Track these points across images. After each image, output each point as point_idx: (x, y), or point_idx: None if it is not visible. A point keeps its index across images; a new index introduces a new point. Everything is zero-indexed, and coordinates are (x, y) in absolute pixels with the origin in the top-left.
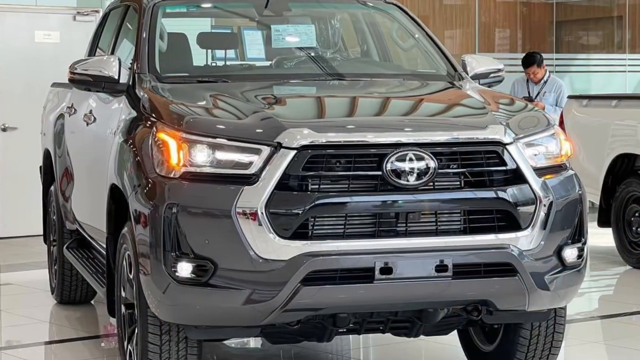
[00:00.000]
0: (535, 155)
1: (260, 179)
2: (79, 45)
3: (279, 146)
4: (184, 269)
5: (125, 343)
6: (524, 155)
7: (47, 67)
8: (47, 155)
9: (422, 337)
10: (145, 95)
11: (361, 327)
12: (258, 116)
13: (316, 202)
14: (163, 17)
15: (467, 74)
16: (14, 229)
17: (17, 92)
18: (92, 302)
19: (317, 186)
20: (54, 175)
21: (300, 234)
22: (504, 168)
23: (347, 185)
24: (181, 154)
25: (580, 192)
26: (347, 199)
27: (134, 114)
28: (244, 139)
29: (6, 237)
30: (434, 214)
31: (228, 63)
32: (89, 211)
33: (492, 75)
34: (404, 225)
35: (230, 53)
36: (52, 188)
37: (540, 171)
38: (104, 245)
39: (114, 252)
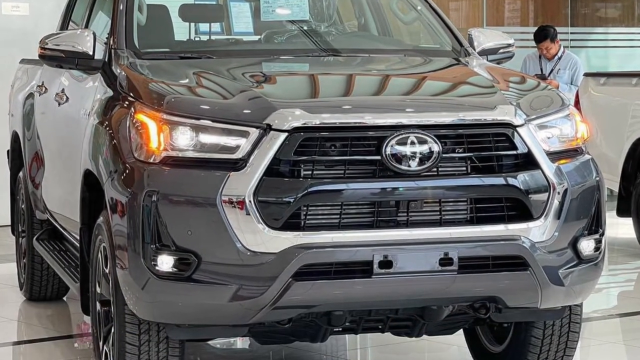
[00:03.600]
0: (549, 138)
1: (248, 164)
2: (50, 18)
3: (268, 128)
4: (165, 262)
5: (101, 343)
6: (536, 138)
7: (15, 41)
8: (15, 138)
9: (424, 337)
10: (123, 73)
11: (358, 326)
12: (246, 95)
13: (309, 190)
14: None
15: (474, 50)
16: None
17: None
18: (65, 298)
19: (310, 172)
20: (22, 160)
21: (292, 224)
22: (514, 152)
23: (342, 171)
24: (162, 136)
25: (597, 178)
26: (342, 186)
27: (110, 93)
28: (230, 121)
29: None
30: (438, 203)
31: (213, 37)
32: (61, 199)
33: (501, 51)
34: (405, 214)
35: (216, 27)
36: (20, 174)
37: (553, 156)
38: (78, 237)
39: (88, 244)
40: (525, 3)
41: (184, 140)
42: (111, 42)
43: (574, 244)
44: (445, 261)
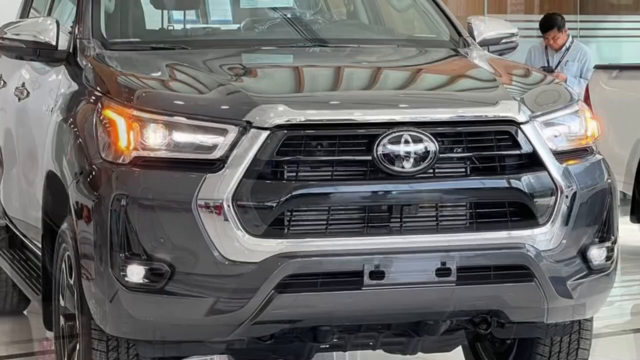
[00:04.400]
0: (556, 136)
1: (226, 166)
2: (9, 5)
3: (248, 126)
4: (135, 272)
5: None
6: (541, 137)
7: None
8: None
9: (419, 354)
10: (89, 65)
11: (347, 342)
12: (224, 90)
13: (293, 193)
14: None
15: (474, 40)
16: None
17: None
18: (25, 312)
19: (294, 174)
20: None
21: (275, 231)
22: (517, 152)
23: (330, 173)
24: (132, 135)
25: (609, 180)
26: (330, 189)
27: (75, 87)
28: (207, 118)
29: None
30: (435, 207)
31: (187, 27)
32: (21, 204)
33: (503, 41)
34: (399, 220)
35: (191, 14)
36: None
37: (561, 156)
38: (39, 245)
39: (51, 252)
40: None
41: (156, 138)
42: (76, 31)
43: (583, 253)
44: (443, 271)
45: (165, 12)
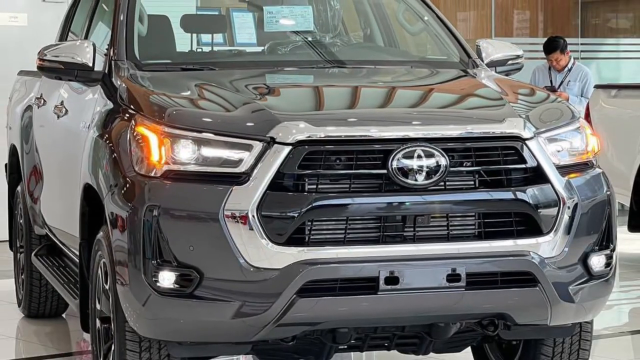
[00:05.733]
0: (559, 151)
1: (251, 178)
2: (49, 28)
3: (272, 141)
4: (166, 278)
5: None
6: (545, 152)
7: (13, 53)
8: (13, 151)
9: (432, 354)
10: (123, 85)
11: (364, 343)
12: (249, 108)
13: (314, 204)
14: None
15: (482, 61)
16: None
17: None
18: (64, 315)
19: (314, 186)
20: (20, 174)
21: (296, 239)
22: (523, 166)
23: (348, 185)
24: (163, 150)
25: (608, 192)
26: (348, 201)
27: (110, 105)
28: (233, 134)
29: None
30: (445, 218)
31: (215, 49)
32: (60, 214)
33: (510, 62)
34: (412, 229)
35: (218, 38)
36: (18, 188)
37: (563, 169)
38: (77, 252)
39: (88, 259)
40: (534, 13)
41: (186, 153)
42: (111, 53)
43: (584, 260)
44: (453, 277)
45: (194, 35)
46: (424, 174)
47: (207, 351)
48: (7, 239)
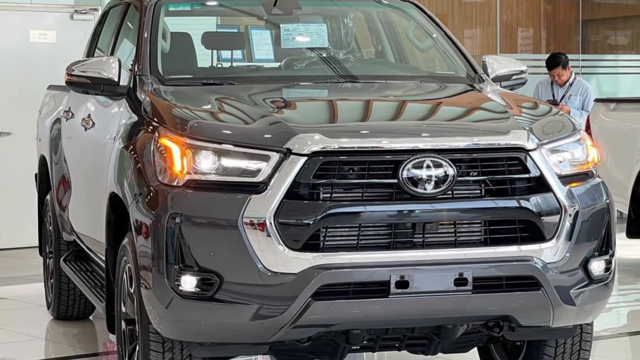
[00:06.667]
0: (560, 162)
1: (268, 187)
2: (77, 45)
3: (288, 152)
4: (188, 282)
5: None
6: (548, 162)
7: (43, 68)
8: (42, 162)
9: (440, 354)
10: (147, 99)
11: (376, 344)
12: (266, 121)
13: (328, 212)
14: (166, 15)
15: (488, 76)
16: (8, 241)
17: (11, 95)
18: (91, 317)
19: (329, 195)
20: (50, 183)
21: (311, 245)
22: (527, 176)
23: (360, 194)
24: (185, 160)
25: (607, 201)
26: (360, 209)
27: (135, 118)
28: (252, 145)
29: (0, 249)
30: (453, 225)
31: (234, 64)
32: (87, 221)
33: (514, 77)
34: (421, 236)
35: (237, 54)
36: (48, 197)
37: (565, 179)
38: (103, 258)
39: (113, 264)
40: (537, 31)
41: (207, 164)
42: (136, 68)
43: (584, 265)
44: (460, 281)
45: (215, 51)
46: (432, 183)
47: (227, 351)
48: (37, 245)
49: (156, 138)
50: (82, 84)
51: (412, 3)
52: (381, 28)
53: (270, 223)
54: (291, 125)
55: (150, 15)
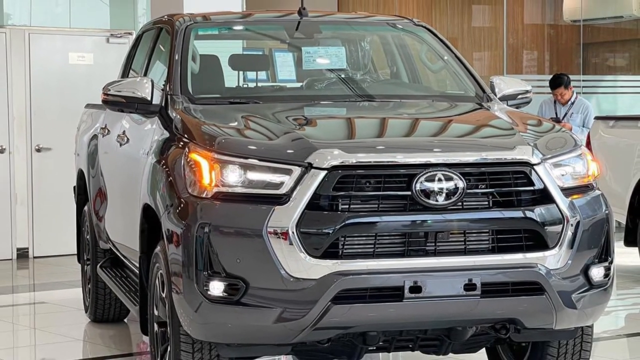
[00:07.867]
0: (563, 175)
1: (291, 199)
2: (113, 67)
3: (309, 166)
4: (216, 287)
5: None
6: (551, 176)
7: (81, 88)
8: (80, 175)
9: (451, 354)
10: (178, 116)
11: (391, 345)
12: (289, 137)
13: (346, 222)
14: (195, 39)
15: (496, 96)
16: (49, 249)
17: (51, 113)
18: (125, 320)
19: (347, 206)
20: (87, 195)
21: (331, 253)
22: (531, 188)
23: (376, 205)
24: (213, 174)
25: (606, 211)
26: (376, 219)
27: (167, 134)
28: (275, 160)
29: (41, 257)
30: (463, 234)
31: (259, 84)
32: (122, 231)
33: (520, 96)
34: (433, 244)
35: (262, 74)
36: (85, 208)
37: (567, 191)
38: (137, 264)
39: (146, 271)
40: (541, 53)
41: (234, 177)
42: (167, 88)
43: (585, 271)
44: (470, 286)
45: (241, 72)
46: (444, 195)
47: (252, 352)
48: (76, 252)
49: (186, 153)
50: (117, 102)
51: (424, 27)
52: (396, 51)
53: (293, 232)
54: (312, 141)
55: (180, 39)
